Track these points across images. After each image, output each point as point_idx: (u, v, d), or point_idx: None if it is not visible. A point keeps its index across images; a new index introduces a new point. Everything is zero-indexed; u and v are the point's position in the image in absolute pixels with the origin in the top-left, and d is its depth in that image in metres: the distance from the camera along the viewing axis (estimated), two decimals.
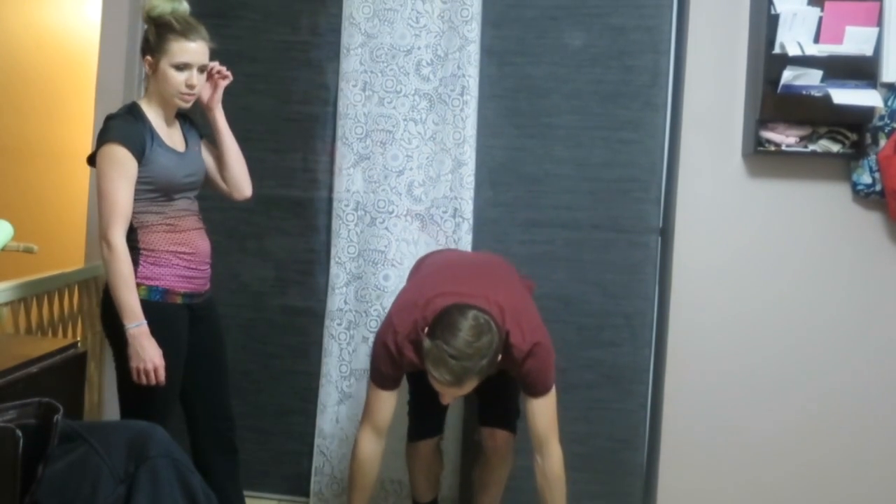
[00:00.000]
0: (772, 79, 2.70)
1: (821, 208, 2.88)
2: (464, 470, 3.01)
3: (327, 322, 3.08)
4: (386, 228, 3.02)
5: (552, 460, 2.39)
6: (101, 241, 2.25)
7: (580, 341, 3.00)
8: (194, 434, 2.54)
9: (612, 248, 2.99)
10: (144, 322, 2.24)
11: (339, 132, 3.05)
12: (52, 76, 4.26)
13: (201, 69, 2.34)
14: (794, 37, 2.70)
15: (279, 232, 3.15)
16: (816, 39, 2.71)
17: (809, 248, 2.90)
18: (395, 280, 3.00)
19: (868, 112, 2.68)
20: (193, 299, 2.41)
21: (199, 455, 2.48)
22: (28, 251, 2.53)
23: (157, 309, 2.29)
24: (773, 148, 2.78)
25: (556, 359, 2.39)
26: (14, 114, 4.06)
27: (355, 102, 3.02)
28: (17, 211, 3.39)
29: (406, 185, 3.02)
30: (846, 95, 2.66)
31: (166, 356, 2.27)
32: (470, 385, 2.20)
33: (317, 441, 3.10)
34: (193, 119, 2.52)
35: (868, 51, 2.69)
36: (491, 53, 3.01)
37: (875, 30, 2.68)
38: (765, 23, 2.72)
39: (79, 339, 2.89)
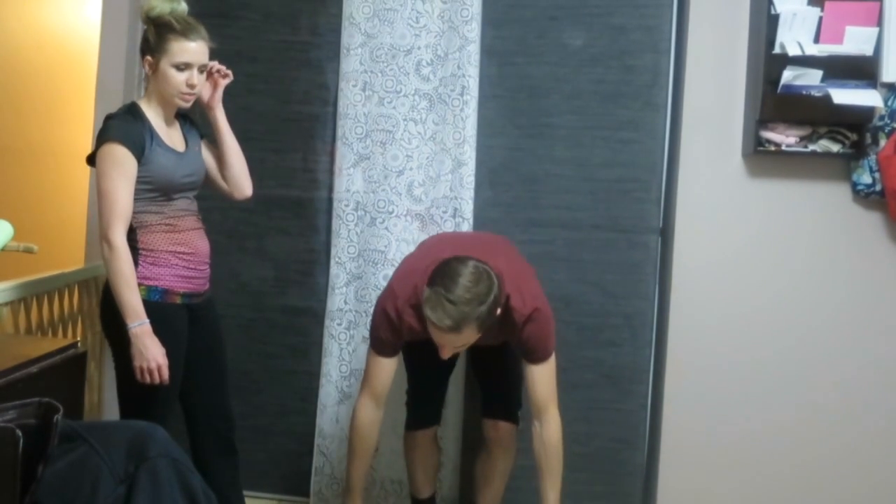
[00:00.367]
0: (772, 79, 2.70)
1: (821, 208, 2.88)
2: (464, 469, 3.01)
3: (327, 322, 3.08)
4: (386, 228, 3.02)
5: (550, 427, 2.40)
6: (101, 241, 2.25)
7: (580, 341, 3.00)
8: (194, 434, 2.54)
9: (612, 248, 2.99)
10: (147, 321, 2.24)
11: (339, 132, 3.05)
12: (52, 76, 4.26)
13: (201, 69, 2.34)
14: (794, 37, 2.70)
15: (279, 232, 3.15)
16: (816, 39, 2.71)
17: (809, 248, 2.90)
18: None
19: (868, 112, 2.68)
20: (193, 299, 2.41)
21: (198, 455, 2.49)
22: (28, 251, 2.53)
23: (157, 309, 2.29)
24: (773, 148, 2.78)
25: (556, 359, 2.39)
26: (14, 114, 4.06)
27: (355, 102, 3.02)
28: (17, 211, 3.38)
29: (406, 185, 3.02)
30: (846, 95, 2.66)
31: (166, 356, 2.27)
32: (469, 333, 2.19)
33: (317, 441, 3.10)
34: (193, 119, 2.52)
35: (868, 51, 2.69)
36: (491, 53, 3.01)
37: (875, 30, 2.68)
38: (765, 23, 2.72)
39: (79, 339, 2.89)
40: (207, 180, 2.52)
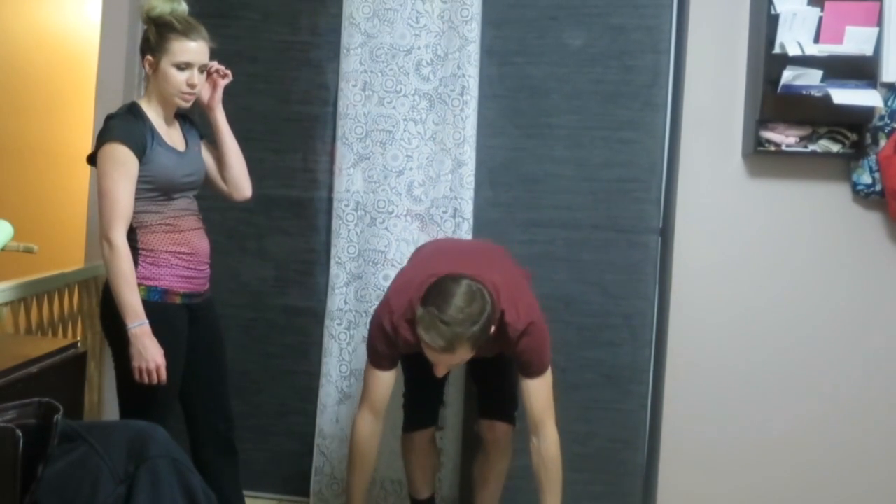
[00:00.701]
0: (772, 79, 2.70)
1: (821, 208, 2.88)
2: (464, 469, 3.01)
3: (327, 322, 3.08)
4: (386, 228, 3.02)
5: (548, 442, 2.40)
6: (101, 241, 2.25)
7: (580, 341, 3.00)
8: (194, 434, 2.54)
9: (612, 248, 2.99)
10: (146, 322, 2.24)
11: (339, 132, 3.05)
12: (52, 76, 4.26)
13: (202, 69, 2.34)
14: (794, 37, 2.70)
15: (279, 232, 3.15)
16: (816, 39, 2.71)
17: (809, 248, 2.90)
18: None
19: (868, 112, 2.68)
20: (193, 299, 2.41)
21: (198, 455, 2.48)
22: (28, 251, 2.53)
23: (157, 309, 2.29)
24: (773, 148, 2.78)
25: (556, 359, 2.39)
26: (14, 114, 4.06)
27: (355, 102, 3.02)
28: (17, 211, 3.38)
29: (406, 185, 3.02)
30: (846, 95, 2.66)
31: (166, 356, 2.26)
32: (462, 352, 2.20)
33: (317, 441, 3.10)
34: (193, 119, 2.52)
35: (868, 51, 2.69)
36: (491, 53, 3.01)
37: (875, 30, 2.68)
38: (765, 23, 2.72)
39: (79, 339, 2.89)
40: (207, 181, 2.51)
